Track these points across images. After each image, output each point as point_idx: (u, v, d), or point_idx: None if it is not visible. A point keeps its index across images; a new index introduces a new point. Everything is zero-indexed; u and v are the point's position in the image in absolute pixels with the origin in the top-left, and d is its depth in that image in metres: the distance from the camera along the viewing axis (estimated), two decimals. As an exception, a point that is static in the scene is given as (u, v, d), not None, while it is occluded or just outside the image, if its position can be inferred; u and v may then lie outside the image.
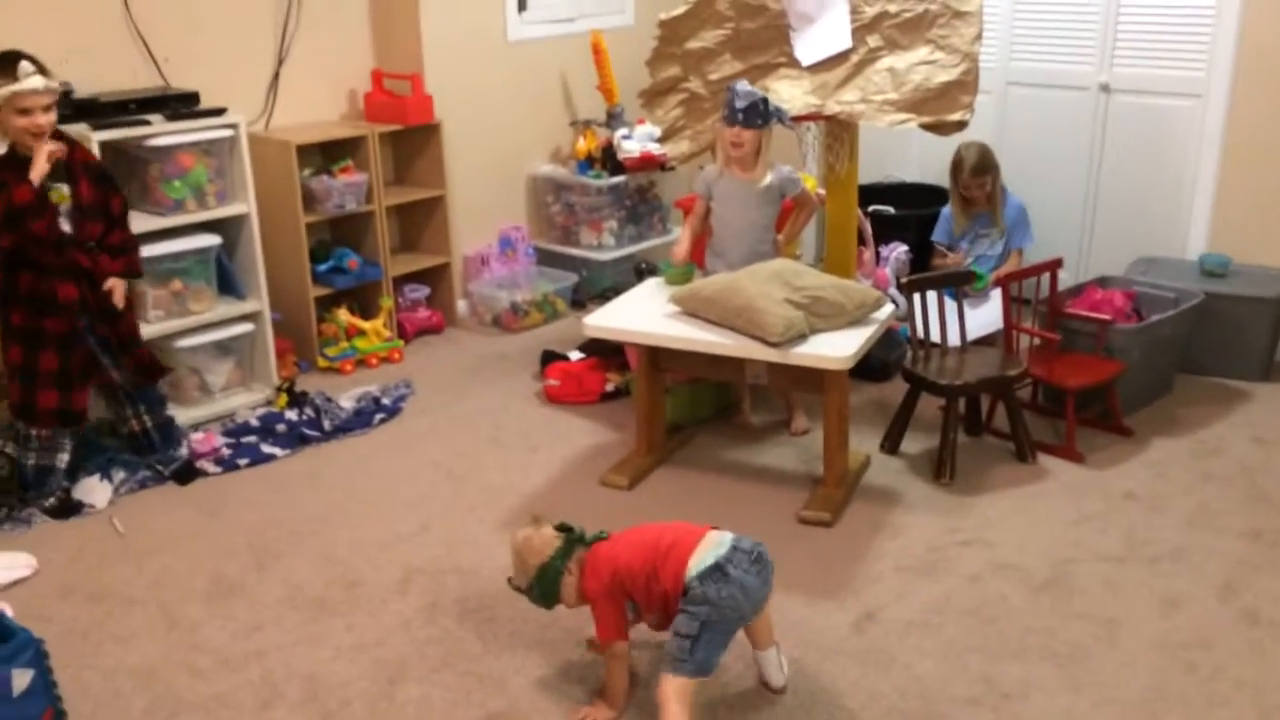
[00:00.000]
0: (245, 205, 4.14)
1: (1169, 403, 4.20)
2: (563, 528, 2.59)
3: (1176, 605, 2.96)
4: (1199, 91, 4.61)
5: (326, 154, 4.69)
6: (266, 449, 3.89)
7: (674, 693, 2.33)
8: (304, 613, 2.99)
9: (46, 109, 3.28)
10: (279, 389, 4.25)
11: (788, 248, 4.09)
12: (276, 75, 4.62)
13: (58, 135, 3.37)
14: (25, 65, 3.22)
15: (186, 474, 3.72)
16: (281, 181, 4.45)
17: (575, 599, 2.57)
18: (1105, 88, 4.86)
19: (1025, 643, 2.82)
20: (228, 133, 4.04)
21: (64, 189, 3.40)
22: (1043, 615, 2.93)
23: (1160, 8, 4.66)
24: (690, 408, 4.08)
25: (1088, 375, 3.84)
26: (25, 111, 3.24)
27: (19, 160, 3.30)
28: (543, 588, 2.57)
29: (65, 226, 3.41)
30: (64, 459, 3.56)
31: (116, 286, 3.51)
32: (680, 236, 4.05)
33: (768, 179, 3.85)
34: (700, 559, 2.41)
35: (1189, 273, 4.49)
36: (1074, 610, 2.95)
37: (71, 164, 3.41)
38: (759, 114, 3.70)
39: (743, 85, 3.77)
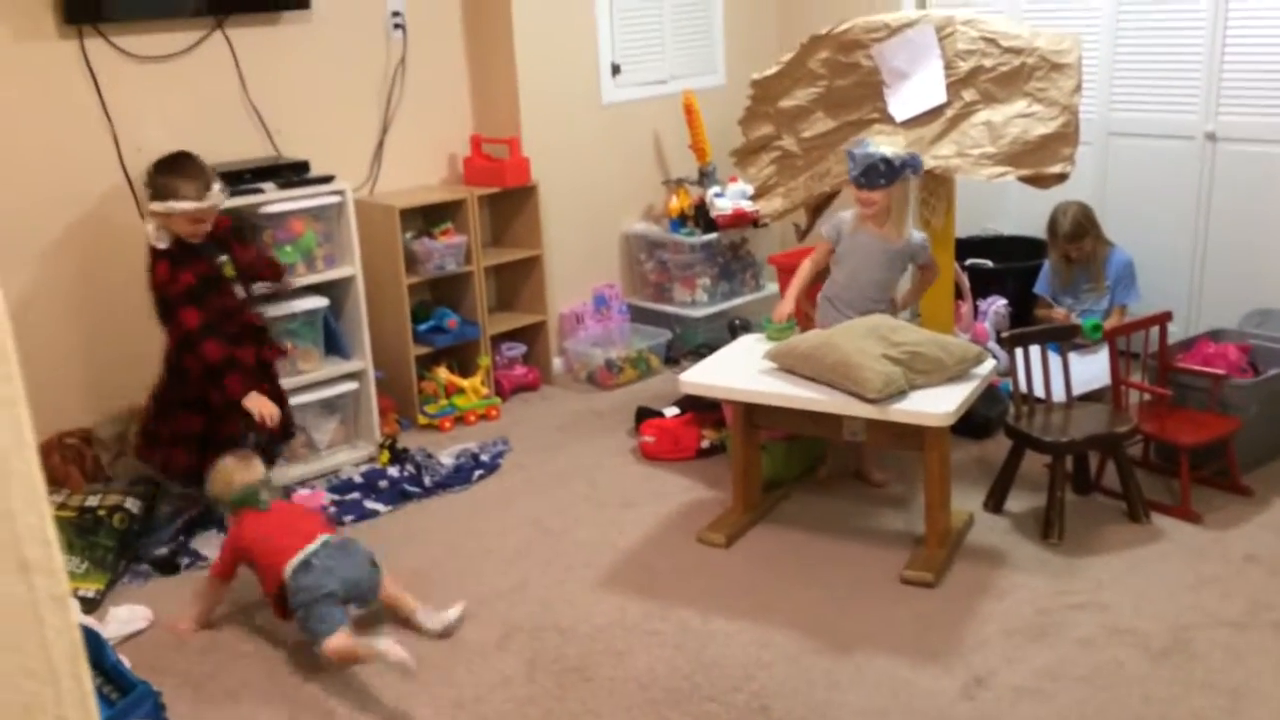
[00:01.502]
0: (351, 268, 4.27)
1: (1290, 461, 4.02)
2: (250, 490, 3.21)
3: (1307, 675, 2.81)
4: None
5: (428, 217, 4.83)
6: (370, 505, 3.98)
7: (328, 656, 2.92)
8: (402, 671, 3.02)
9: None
10: (381, 446, 4.34)
11: (903, 309, 3.99)
12: (381, 143, 4.80)
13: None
14: (216, 187, 3.54)
15: None
16: (385, 244, 4.59)
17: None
18: (1211, 136, 4.74)
19: (1144, 713, 2.70)
20: (335, 199, 4.19)
21: (226, 259, 3.68)
22: (1163, 684, 2.81)
23: (1266, 52, 4.54)
24: (786, 464, 4.05)
25: (1202, 432, 3.70)
26: (198, 220, 3.52)
27: (184, 246, 3.55)
28: (210, 506, 3.52)
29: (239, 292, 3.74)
30: (182, 516, 3.72)
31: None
32: (786, 294, 4.00)
33: (904, 239, 3.77)
34: (296, 558, 2.99)
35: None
36: (1196, 679, 2.82)
37: (218, 233, 3.66)
38: (880, 174, 3.65)
39: (861, 146, 3.73)
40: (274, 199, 4.05)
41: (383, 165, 4.82)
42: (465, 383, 4.79)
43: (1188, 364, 3.95)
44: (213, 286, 3.59)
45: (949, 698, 2.79)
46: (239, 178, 4.04)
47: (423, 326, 4.81)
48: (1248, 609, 3.12)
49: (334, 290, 4.28)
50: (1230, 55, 4.63)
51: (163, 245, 3.51)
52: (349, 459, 4.32)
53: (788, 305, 3.91)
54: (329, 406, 4.32)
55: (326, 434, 4.31)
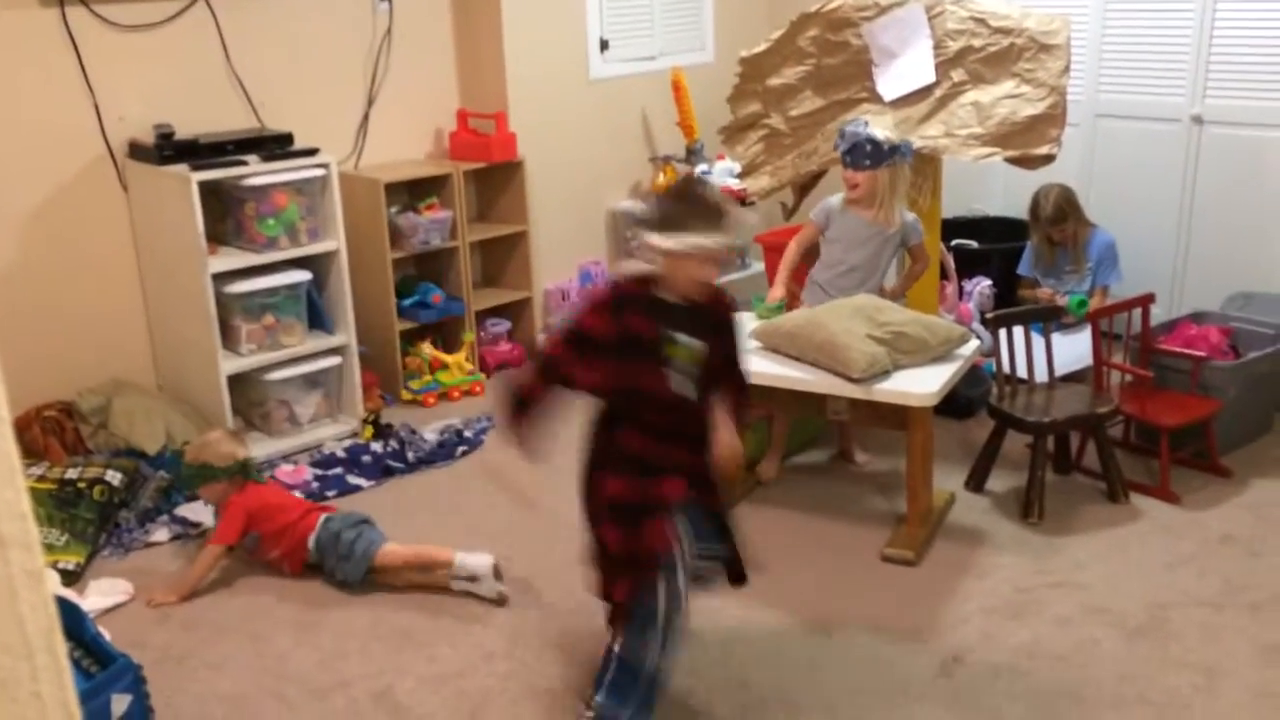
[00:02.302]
0: (335, 242, 4.25)
1: (1268, 442, 4.05)
2: (247, 461, 3.40)
3: (1279, 654, 2.84)
4: (1295, 122, 4.48)
5: (413, 192, 4.81)
6: (352, 480, 3.97)
7: (384, 564, 3.27)
8: (388, 643, 3.04)
9: None
10: (365, 421, 4.33)
11: (895, 298, 3.89)
12: (366, 116, 4.76)
13: None
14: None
15: None
16: (369, 219, 4.56)
17: (214, 498, 3.39)
18: (1198, 119, 4.75)
19: (1120, 690, 2.73)
20: (320, 172, 4.16)
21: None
22: (1138, 662, 2.84)
23: (1254, 37, 4.55)
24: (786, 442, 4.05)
25: (1183, 413, 3.73)
26: (705, 263, 2.51)
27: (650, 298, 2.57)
28: (195, 475, 3.37)
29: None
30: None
31: None
32: (776, 277, 3.98)
33: (895, 222, 3.74)
34: (322, 516, 3.35)
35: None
36: (1171, 657, 2.85)
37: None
38: (865, 154, 3.64)
39: (852, 126, 3.72)
40: (257, 171, 4.01)
41: (368, 139, 4.79)
42: (449, 358, 4.78)
43: (1169, 346, 3.98)
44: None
45: (927, 675, 2.82)
46: (221, 149, 4.00)
47: (407, 302, 4.79)
48: (1223, 589, 3.15)
49: (317, 264, 4.26)
50: (1218, 39, 4.63)
51: None
52: (332, 434, 4.31)
53: (779, 289, 3.91)
54: (312, 381, 4.30)
55: (309, 408, 4.30)
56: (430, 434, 4.30)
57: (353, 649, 3.01)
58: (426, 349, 4.78)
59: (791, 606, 3.13)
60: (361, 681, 2.87)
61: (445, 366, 4.77)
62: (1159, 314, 4.22)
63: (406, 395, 4.70)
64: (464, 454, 4.21)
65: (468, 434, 4.31)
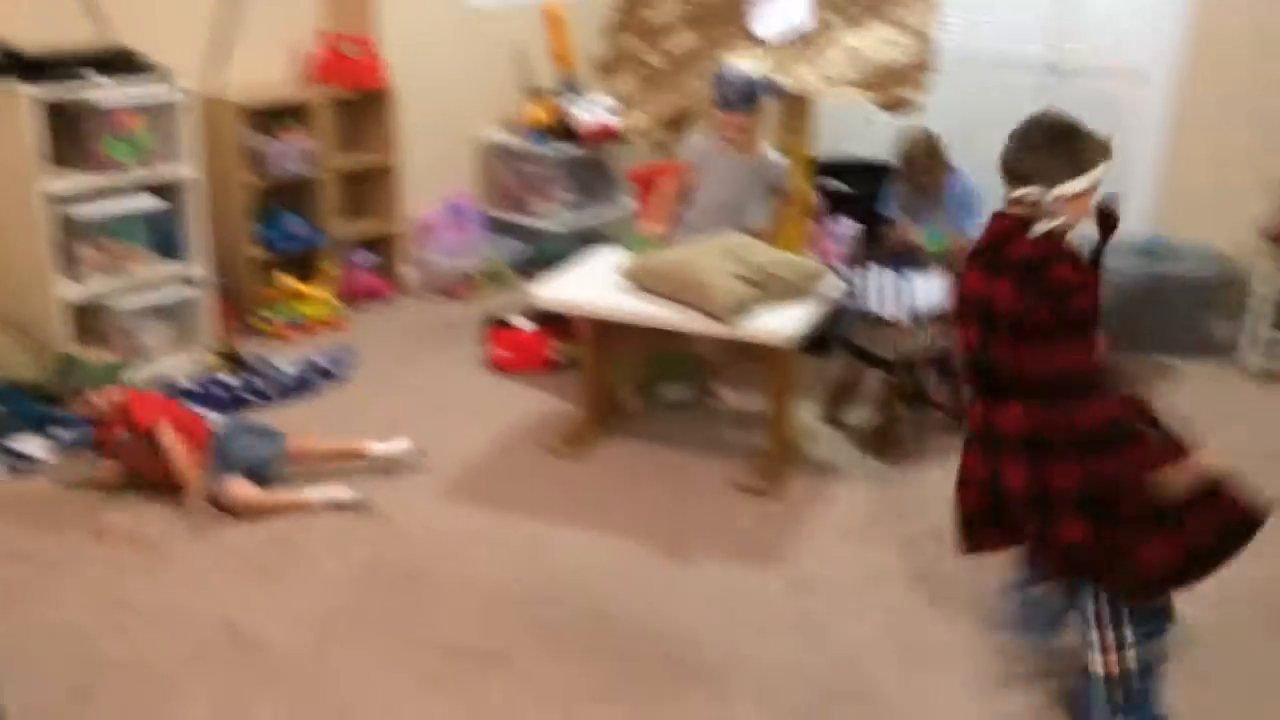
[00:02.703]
0: (189, 167, 4.06)
1: (1107, 380, 4.27)
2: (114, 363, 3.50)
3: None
4: (1143, 74, 4.67)
5: (273, 117, 4.61)
6: (204, 414, 3.83)
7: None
8: (237, 574, 2.97)
9: None
10: (218, 354, 4.18)
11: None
12: (222, 35, 4.53)
13: None
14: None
15: None
16: (226, 144, 4.37)
17: (100, 408, 3.30)
18: (1055, 68, 4.90)
19: (960, 609, 2.86)
20: (172, 94, 3.95)
21: None
22: (973, 580, 2.98)
23: (1110, -10, 4.71)
24: (649, 376, 4.08)
25: (1028, 352, 3.88)
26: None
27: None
28: (103, 374, 3.37)
29: None
30: None
31: None
32: (653, 210, 3.96)
33: (761, 156, 3.79)
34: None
35: (1127, 252, 4.56)
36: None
37: None
38: (746, 98, 3.66)
39: (732, 69, 3.71)
40: (104, 91, 3.78)
41: (224, 59, 4.56)
42: (311, 291, 4.64)
43: (1019, 288, 4.13)
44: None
45: (780, 598, 2.90)
46: (64, 66, 3.75)
47: (266, 231, 4.62)
48: (1058, 517, 3.32)
49: (170, 190, 4.06)
50: (1077, -10, 4.78)
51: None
52: (182, 366, 4.14)
53: (654, 223, 3.90)
54: (162, 311, 4.12)
55: (158, 339, 4.13)
56: (289, 367, 4.17)
57: (198, 580, 2.93)
58: (286, 280, 4.63)
59: (651, 536, 3.18)
60: (207, 613, 2.80)
61: (306, 299, 4.63)
62: (1012, 257, 4.37)
63: (264, 328, 4.55)
64: (325, 388, 4.11)
65: (329, 368, 4.20)
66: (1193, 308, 4.39)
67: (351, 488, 3.31)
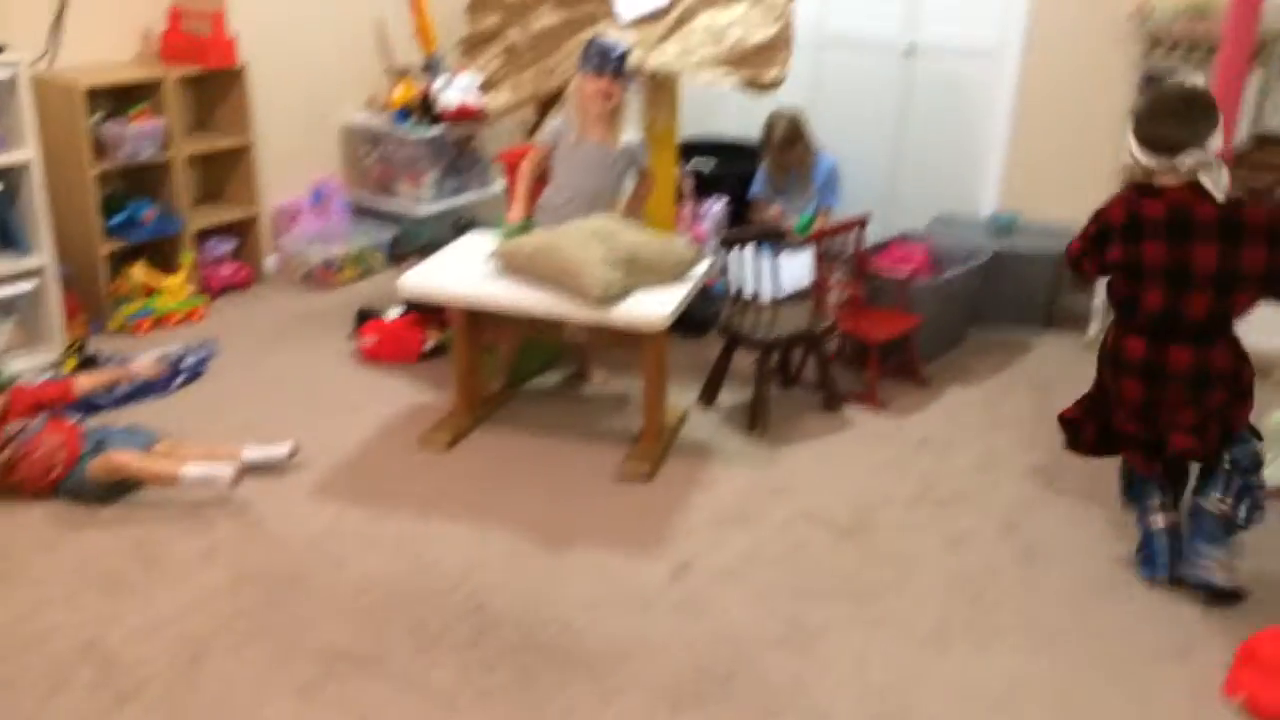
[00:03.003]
0: (27, 152, 3.84)
1: (962, 353, 4.46)
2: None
3: (962, 543, 3.17)
4: (992, 55, 4.85)
5: (119, 98, 4.39)
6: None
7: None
8: (97, 588, 2.85)
9: None
10: (67, 351, 3.98)
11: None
12: (61, 11, 4.27)
13: None
14: None
15: None
16: (68, 127, 4.14)
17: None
18: (911, 50, 5.05)
19: (829, 585, 2.97)
20: (6, 72, 3.72)
21: None
22: (845, 558, 3.09)
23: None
24: (518, 364, 4.06)
25: (889, 328, 4.03)
26: None
27: None
28: None
29: None
30: None
31: None
32: (516, 198, 3.91)
33: (624, 140, 3.78)
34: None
35: (982, 229, 4.76)
36: (874, 552, 3.12)
37: None
38: (621, 62, 3.65)
39: (604, 36, 3.69)
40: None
41: (64, 37, 4.31)
42: (165, 281, 4.46)
43: (880, 265, 4.27)
44: None
45: (658, 583, 2.95)
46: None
47: (115, 220, 4.40)
48: (919, 488, 3.47)
49: (7, 177, 3.84)
50: (929, -27, 4.92)
51: None
52: (29, 365, 3.92)
53: (519, 209, 3.86)
54: (3, 307, 3.90)
55: (1, 337, 3.90)
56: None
57: (56, 597, 2.80)
58: (139, 271, 4.43)
59: (528, 526, 3.18)
60: (67, 631, 2.68)
61: (160, 290, 4.45)
62: (873, 234, 4.50)
63: (117, 322, 4.36)
64: (183, 385, 3.96)
65: (187, 362, 4.05)
66: (1043, 282, 4.61)
67: (199, 506, 3.21)
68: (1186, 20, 4.20)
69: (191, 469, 3.17)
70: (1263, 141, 4.27)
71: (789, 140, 4.85)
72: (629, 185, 3.99)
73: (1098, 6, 4.51)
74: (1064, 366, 4.37)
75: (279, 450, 3.42)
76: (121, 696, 2.49)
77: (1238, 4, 3.21)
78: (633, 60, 3.76)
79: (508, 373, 4.02)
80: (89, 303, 4.32)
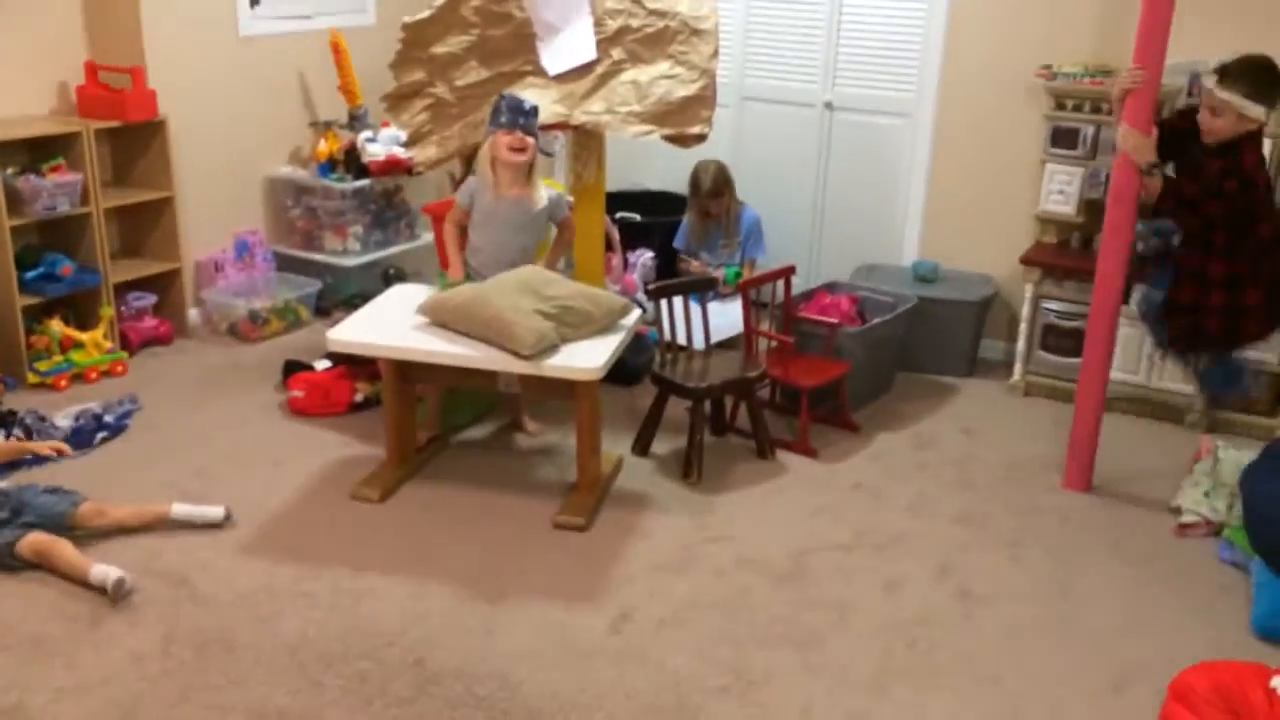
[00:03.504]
0: (-64, 206, 3.72)
1: (890, 399, 4.55)
2: None
3: (899, 587, 3.22)
4: (909, 111, 5.02)
5: (34, 151, 4.29)
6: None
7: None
8: (17, 653, 2.73)
9: None
10: (-18, 408, 3.85)
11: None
12: (-28, 63, 4.19)
13: None
14: None
15: None
16: (-20, 181, 4.03)
17: None
18: (829, 105, 5.20)
19: (769, 632, 2.98)
20: (-87, 125, 3.62)
21: None
22: (783, 604, 3.11)
23: (875, 32, 5.03)
24: (445, 415, 4.03)
25: (819, 375, 4.10)
26: None
27: None
28: None
29: None
30: None
31: None
32: (449, 254, 3.93)
33: (543, 199, 3.82)
34: None
35: (905, 278, 4.88)
36: (810, 598, 3.15)
37: None
38: (531, 116, 3.72)
39: (508, 93, 3.76)
40: None
41: (-25, 89, 4.22)
42: (84, 336, 4.34)
43: (808, 314, 4.35)
44: None
45: (598, 634, 2.93)
46: None
47: (31, 274, 4.29)
48: (854, 532, 3.51)
49: (-85, 231, 3.72)
50: (846, 32, 5.08)
51: None
52: (-60, 425, 3.79)
53: (458, 266, 3.88)
54: (-88, 366, 3.76)
55: (-90, 397, 3.76)
56: (63, 420, 3.88)
57: (-27, 666, 2.68)
58: (56, 326, 4.31)
59: (465, 579, 3.14)
60: (-16, 701, 2.57)
61: (80, 345, 4.33)
62: (799, 284, 4.59)
63: (33, 378, 4.22)
64: (104, 441, 3.85)
65: (108, 418, 3.94)
66: (966, 328, 4.74)
67: (143, 545, 3.11)
68: (1091, 78, 4.41)
69: (96, 569, 3.01)
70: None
71: (716, 190, 4.94)
72: (550, 236, 4.04)
73: (1006, 66, 4.71)
74: (989, 409, 4.48)
75: (213, 511, 3.34)
76: (43, 768, 2.38)
77: (1140, 62, 3.38)
78: (557, 114, 3.82)
79: (437, 422, 3.99)
80: (4, 358, 4.18)
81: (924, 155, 5.00)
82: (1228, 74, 3.27)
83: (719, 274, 4.85)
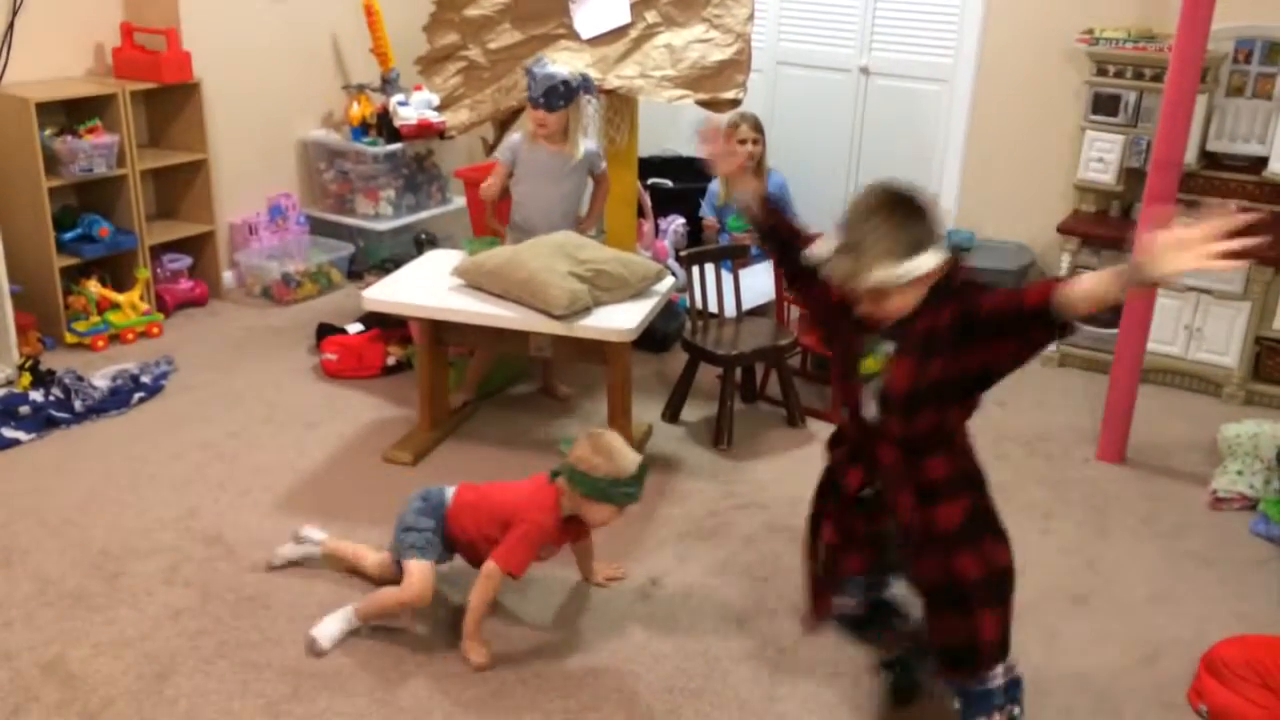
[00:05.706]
0: (-24, 167, 3.77)
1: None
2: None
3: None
4: (946, 77, 4.95)
5: (71, 113, 4.32)
6: (9, 433, 3.58)
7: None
8: (58, 608, 2.79)
9: None
10: (21, 367, 3.90)
11: (590, 226, 4.07)
12: (11, 25, 4.20)
13: None
14: None
15: None
16: (19, 142, 4.07)
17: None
18: (865, 70, 5.13)
19: (798, 598, 2.98)
20: (-47, 86, 3.65)
21: None
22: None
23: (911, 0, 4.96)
24: (486, 377, 4.05)
25: (851, 343, 4.07)
26: None
27: None
28: None
29: None
30: None
31: None
32: (479, 215, 4.01)
33: (581, 152, 3.87)
34: None
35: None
36: (839, 565, 3.14)
37: None
38: (559, 95, 3.73)
39: (540, 67, 3.75)
40: None
41: (13, 51, 4.24)
42: (121, 297, 4.39)
43: (841, 282, 4.31)
44: None
45: (628, 599, 2.95)
46: None
47: (69, 235, 4.33)
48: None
49: (-45, 192, 3.76)
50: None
51: None
52: (-18, 383, 3.85)
53: (495, 226, 3.94)
54: (-46, 325, 3.82)
55: (-48, 356, 3.82)
56: (100, 380, 3.94)
57: (16, 617, 2.74)
58: (93, 287, 4.36)
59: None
60: (28, 652, 2.62)
61: (116, 306, 4.38)
62: (832, 252, 4.55)
63: (71, 338, 4.28)
64: (141, 401, 3.89)
65: (145, 379, 3.98)
66: (998, 297, 4.68)
67: (179, 505, 3.15)
68: (1133, 44, 4.33)
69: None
70: (1210, 161, 4.39)
71: (757, 126, 4.88)
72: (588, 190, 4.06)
73: (1047, 31, 4.63)
74: (1022, 379, 4.40)
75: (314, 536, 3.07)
76: (87, 714, 2.44)
77: (1185, 28, 3.31)
78: (579, 81, 3.83)
79: (475, 387, 4.01)
80: (42, 319, 4.24)
81: (961, 122, 4.93)
82: None
83: (748, 239, 4.81)
